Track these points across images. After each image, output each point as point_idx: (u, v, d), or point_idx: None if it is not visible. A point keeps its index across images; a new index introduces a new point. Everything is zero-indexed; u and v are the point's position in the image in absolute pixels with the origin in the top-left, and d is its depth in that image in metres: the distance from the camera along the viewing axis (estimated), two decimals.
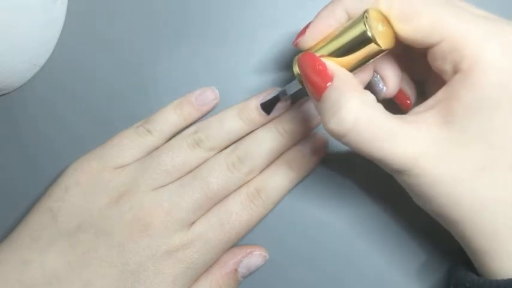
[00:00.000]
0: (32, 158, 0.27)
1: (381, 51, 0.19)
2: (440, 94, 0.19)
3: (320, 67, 0.19)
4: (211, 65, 0.27)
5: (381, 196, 0.25)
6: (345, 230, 0.25)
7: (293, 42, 0.22)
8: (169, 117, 0.25)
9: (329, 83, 0.19)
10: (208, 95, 0.26)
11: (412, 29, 0.19)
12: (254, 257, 0.24)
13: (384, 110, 0.19)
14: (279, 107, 0.25)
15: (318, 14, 0.21)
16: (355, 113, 0.18)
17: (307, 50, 0.21)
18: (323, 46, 0.20)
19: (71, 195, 0.24)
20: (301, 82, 0.22)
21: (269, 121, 0.25)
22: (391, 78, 0.22)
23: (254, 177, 0.24)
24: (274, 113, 0.25)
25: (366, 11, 0.19)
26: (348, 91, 0.18)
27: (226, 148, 0.25)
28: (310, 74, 0.20)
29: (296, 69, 0.22)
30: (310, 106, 0.25)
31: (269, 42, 0.27)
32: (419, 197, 0.19)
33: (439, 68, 0.19)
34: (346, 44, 0.20)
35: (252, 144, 0.24)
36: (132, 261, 0.22)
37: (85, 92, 0.27)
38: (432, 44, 0.18)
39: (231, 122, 0.25)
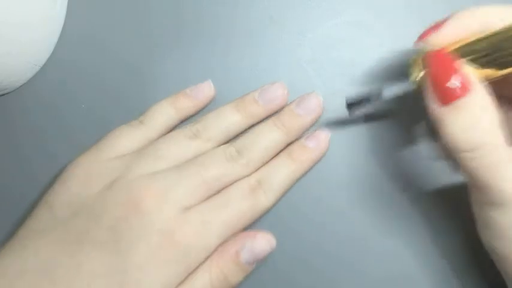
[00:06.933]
0: (31, 158, 0.27)
1: None
2: None
3: (461, 73, 0.18)
4: (211, 67, 0.27)
5: (386, 195, 0.25)
6: (348, 230, 0.25)
7: (421, 37, 0.20)
8: (163, 109, 0.26)
9: (466, 93, 0.18)
10: (203, 87, 0.26)
11: None
12: (258, 240, 0.23)
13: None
14: (277, 97, 0.25)
15: (450, 17, 0.20)
16: (489, 132, 0.18)
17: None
18: (456, 49, 0.19)
19: (67, 187, 0.23)
20: (417, 84, 0.20)
21: (268, 115, 0.25)
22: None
23: (254, 172, 0.24)
24: (271, 105, 0.25)
25: None
26: (486, 106, 0.18)
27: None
28: (445, 77, 0.18)
29: (417, 71, 0.20)
30: (309, 101, 0.25)
31: (270, 42, 0.27)
32: (498, 236, 0.19)
33: None
34: (495, 52, 0.18)
35: (250, 138, 0.24)
36: (124, 241, 0.21)
37: (85, 92, 0.27)
38: None
39: (228, 114, 0.25)
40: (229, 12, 0.27)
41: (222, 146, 0.24)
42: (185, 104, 0.26)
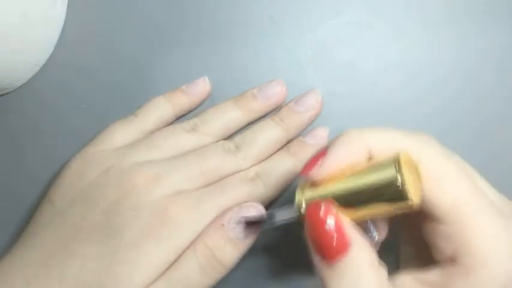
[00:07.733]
0: (31, 157, 0.27)
1: (410, 207, 0.15)
2: (434, 278, 0.17)
3: (337, 232, 0.16)
4: (211, 66, 0.27)
5: None
6: None
7: (301, 172, 0.18)
8: (159, 104, 0.26)
9: (345, 253, 0.16)
10: (199, 82, 0.26)
11: (431, 197, 0.16)
12: (244, 209, 0.21)
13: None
14: (276, 93, 0.25)
15: (335, 144, 0.18)
16: None
17: (315, 185, 0.18)
18: (334, 183, 0.17)
19: (65, 181, 0.24)
20: (300, 218, 0.18)
21: (267, 112, 0.26)
22: (383, 226, 0.20)
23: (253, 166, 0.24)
24: (270, 101, 0.25)
25: (397, 155, 0.16)
26: (366, 267, 0.16)
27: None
28: (322, 237, 0.16)
29: (300, 198, 0.18)
30: (308, 98, 0.25)
31: (270, 42, 0.27)
32: None
33: (435, 244, 0.17)
34: (367, 192, 0.16)
35: (250, 134, 0.25)
36: (116, 223, 0.21)
37: (85, 92, 0.27)
38: (443, 221, 0.17)
39: (228, 110, 0.25)
40: (229, 13, 0.27)
41: (221, 141, 0.24)
42: (181, 99, 0.26)
